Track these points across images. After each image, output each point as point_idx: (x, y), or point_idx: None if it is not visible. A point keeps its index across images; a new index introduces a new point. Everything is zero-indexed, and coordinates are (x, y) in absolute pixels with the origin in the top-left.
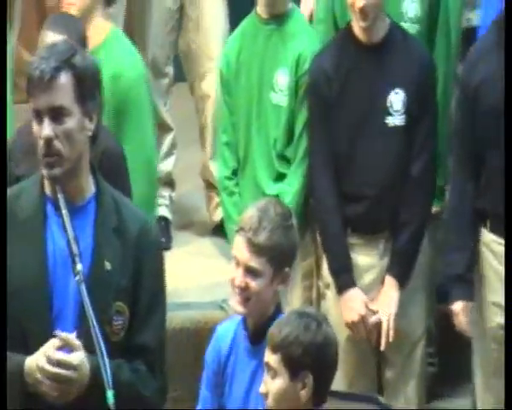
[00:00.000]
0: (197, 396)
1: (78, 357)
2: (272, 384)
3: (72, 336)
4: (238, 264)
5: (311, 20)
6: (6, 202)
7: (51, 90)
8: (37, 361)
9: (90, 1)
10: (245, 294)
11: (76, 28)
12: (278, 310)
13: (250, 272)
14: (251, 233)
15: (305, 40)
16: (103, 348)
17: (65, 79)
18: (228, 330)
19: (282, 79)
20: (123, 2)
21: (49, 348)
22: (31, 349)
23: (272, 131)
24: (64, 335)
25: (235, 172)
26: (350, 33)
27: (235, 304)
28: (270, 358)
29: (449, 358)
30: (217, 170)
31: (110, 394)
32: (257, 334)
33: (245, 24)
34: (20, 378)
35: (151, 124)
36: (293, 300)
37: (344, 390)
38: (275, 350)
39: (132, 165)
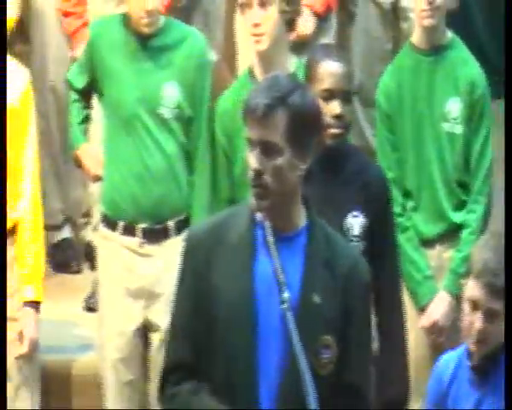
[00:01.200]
0: None
1: None
2: None
3: None
4: (476, 307)
5: None
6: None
7: (264, 125)
8: None
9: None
10: (484, 337)
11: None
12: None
13: (490, 314)
14: (490, 276)
15: (473, 67)
16: (307, 372)
17: (279, 116)
18: (450, 361)
19: (455, 108)
20: None
21: None
22: (234, 375)
23: (449, 159)
24: None
25: (404, 208)
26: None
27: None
28: None
29: None
30: None
31: None
32: (482, 366)
33: (401, 57)
34: None
35: None
36: None
37: None
38: None
39: None
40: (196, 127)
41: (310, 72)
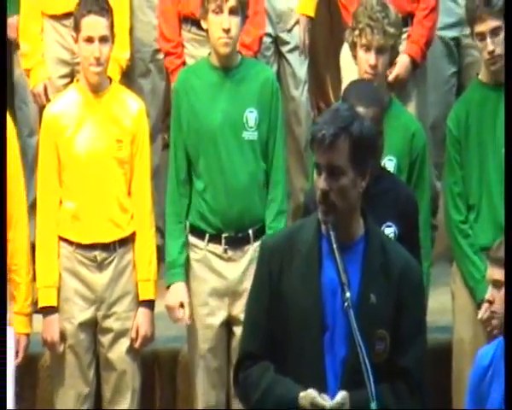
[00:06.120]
0: None
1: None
2: None
3: (328, 404)
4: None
5: None
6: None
7: (330, 151)
8: (310, 398)
9: None
10: (492, 307)
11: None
12: None
13: (495, 284)
14: (493, 252)
15: None
16: (367, 363)
17: (342, 143)
18: (490, 348)
19: None
20: None
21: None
22: (303, 365)
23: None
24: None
25: (467, 218)
26: None
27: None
28: None
29: None
30: (449, 217)
31: (373, 405)
32: None
33: (469, 91)
34: (293, 404)
35: None
36: None
37: None
38: None
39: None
40: (272, 147)
41: None
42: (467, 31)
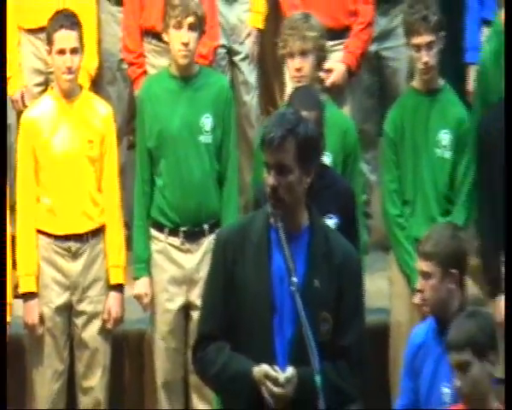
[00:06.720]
0: None
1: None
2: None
3: (281, 376)
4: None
5: None
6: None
7: (278, 152)
8: (263, 372)
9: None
10: (423, 295)
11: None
12: (462, 309)
13: (424, 275)
14: (421, 245)
15: (461, 107)
16: (312, 342)
17: (289, 144)
18: (422, 328)
19: (445, 138)
20: None
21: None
22: (255, 344)
23: (439, 177)
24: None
25: (402, 212)
26: None
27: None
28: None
29: None
30: (386, 211)
31: (318, 378)
32: (444, 326)
33: (404, 97)
34: (248, 378)
35: None
36: None
37: None
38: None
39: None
40: (226, 150)
41: None
42: (385, 44)
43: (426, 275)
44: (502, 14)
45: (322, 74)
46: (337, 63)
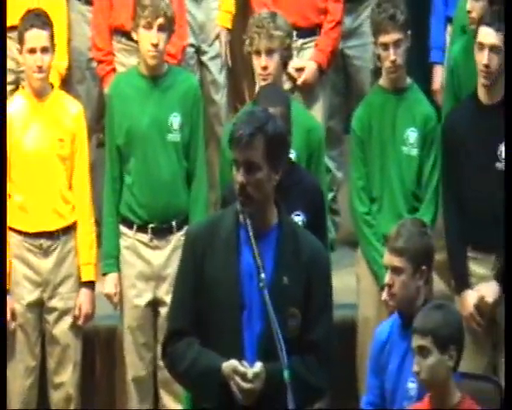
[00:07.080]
0: None
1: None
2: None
3: (249, 371)
4: (386, 268)
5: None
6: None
7: (247, 149)
8: (232, 367)
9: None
10: (391, 290)
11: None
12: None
13: (394, 270)
14: (391, 241)
15: (427, 105)
16: (280, 337)
17: (258, 142)
18: (386, 325)
19: (412, 136)
20: None
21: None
22: (224, 340)
23: (406, 175)
24: (244, 370)
25: (370, 209)
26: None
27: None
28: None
29: None
30: (354, 209)
31: (286, 373)
32: (409, 322)
33: (371, 96)
34: (217, 373)
35: None
36: None
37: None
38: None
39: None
40: (194, 148)
41: None
42: (350, 43)
43: (397, 270)
44: (465, 7)
45: (293, 73)
46: (308, 62)
